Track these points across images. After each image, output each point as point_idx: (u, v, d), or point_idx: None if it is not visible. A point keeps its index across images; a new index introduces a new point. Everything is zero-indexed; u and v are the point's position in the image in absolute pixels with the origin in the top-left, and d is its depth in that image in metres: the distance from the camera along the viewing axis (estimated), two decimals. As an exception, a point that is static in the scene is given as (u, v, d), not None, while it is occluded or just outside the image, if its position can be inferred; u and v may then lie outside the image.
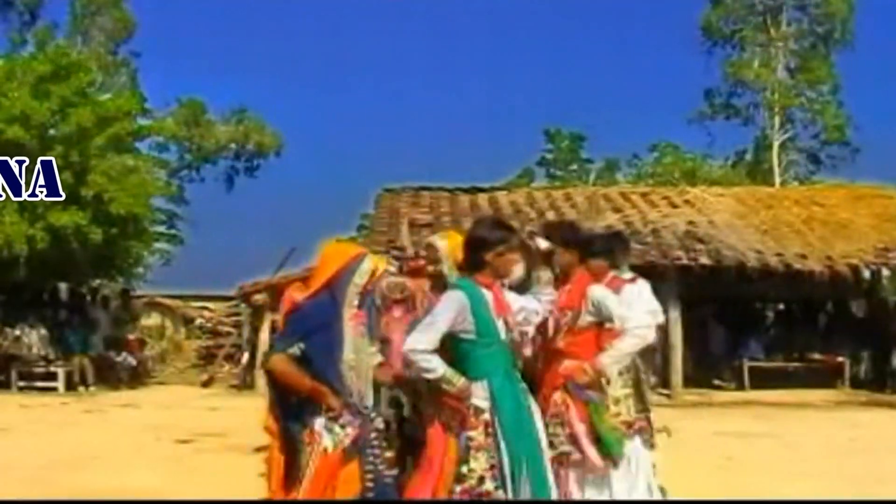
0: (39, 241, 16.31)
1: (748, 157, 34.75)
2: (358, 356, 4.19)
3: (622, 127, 55.54)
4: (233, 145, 35.17)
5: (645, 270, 14.71)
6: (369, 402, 4.20)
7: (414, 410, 5.17)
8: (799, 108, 32.80)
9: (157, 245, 25.06)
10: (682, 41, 61.68)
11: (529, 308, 4.49)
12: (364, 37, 60.81)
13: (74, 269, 18.47)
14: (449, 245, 5.05)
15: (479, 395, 4.10)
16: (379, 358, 4.61)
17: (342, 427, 4.00)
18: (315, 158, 58.59)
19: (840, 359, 16.50)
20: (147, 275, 26.89)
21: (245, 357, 17.37)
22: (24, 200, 16.47)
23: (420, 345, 4.09)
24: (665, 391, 15.36)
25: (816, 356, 16.69)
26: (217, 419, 12.12)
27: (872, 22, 44.92)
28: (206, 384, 17.69)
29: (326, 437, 3.98)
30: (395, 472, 4.40)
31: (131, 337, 19.28)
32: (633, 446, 5.01)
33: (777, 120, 32.36)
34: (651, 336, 4.76)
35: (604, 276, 5.37)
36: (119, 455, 9.04)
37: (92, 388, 16.30)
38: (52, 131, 17.31)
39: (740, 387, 16.00)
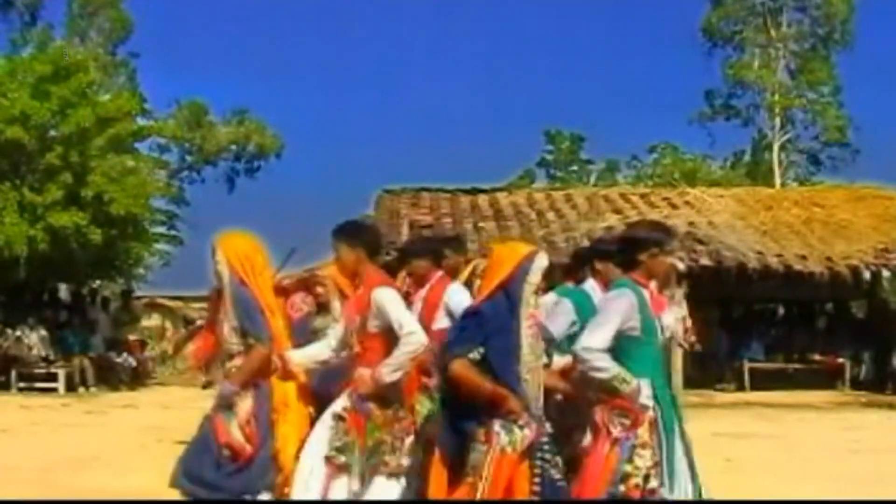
0: (39, 242, 16.31)
1: (746, 157, 34.83)
2: (536, 358, 4.18)
3: (622, 128, 55.60)
4: (233, 147, 35.17)
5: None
6: (540, 404, 4.16)
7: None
8: (799, 109, 32.80)
9: (158, 246, 25.02)
10: (682, 42, 61.65)
11: (663, 321, 4.47)
12: (364, 37, 60.82)
13: (74, 269, 18.46)
14: (227, 248, 4.98)
15: (645, 394, 4.12)
16: (545, 360, 4.50)
17: (521, 428, 3.98)
18: (315, 160, 58.55)
19: (840, 360, 16.51)
20: (147, 276, 26.91)
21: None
22: (25, 201, 16.49)
23: (594, 343, 4.08)
24: (665, 392, 15.36)
25: (817, 357, 16.69)
26: (217, 420, 12.09)
27: (873, 23, 44.81)
28: (206, 385, 17.66)
29: (505, 437, 3.96)
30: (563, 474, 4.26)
31: (132, 338, 19.27)
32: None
33: (777, 121, 32.36)
34: (422, 342, 4.47)
35: (428, 277, 5.42)
36: (120, 456, 9.03)
37: (92, 389, 16.29)
38: (51, 132, 17.31)
39: (741, 388, 16.00)
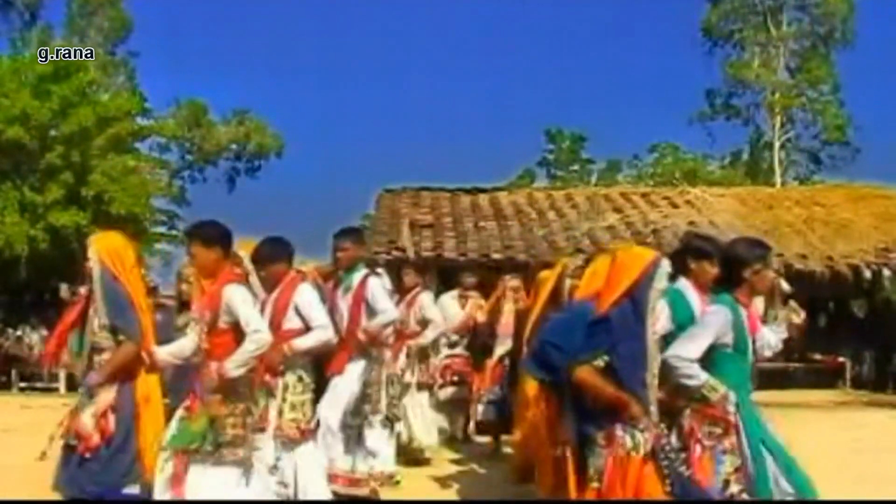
0: (40, 242, 16.32)
1: (744, 156, 34.83)
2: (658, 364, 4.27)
3: (623, 127, 55.76)
4: (234, 146, 35.18)
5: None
6: (654, 408, 4.22)
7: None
8: (799, 108, 32.80)
9: (158, 246, 25.03)
10: (682, 41, 61.80)
11: (767, 339, 4.79)
12: (364, 37, 60.88)
13: (75, 269, 18.42)
14: (100, 247, 5.12)
15: (730, 401, 4.33)
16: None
17: (642, 431, 4.06)
18: (316, 159, 58.69)
19: (841, 359, 16.47)
20: (148, 275, 26.89)
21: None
22: (25, 201, 16.50)
23: (685, 353, 4.28)
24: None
25: (817, 357, 16.65)
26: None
27: (873, 22, 45.07)
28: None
29: (628, 440, 4.05)
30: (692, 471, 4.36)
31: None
32: (302, 450, 5.25)
33: (777, 120, 32.36)
34: (267, 341, 4.71)
35: (280, 279, 5.62)
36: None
37: (93, 389, 16.29)
38: (52, 131, 17.31)
39: (741, 387, 15.97)
